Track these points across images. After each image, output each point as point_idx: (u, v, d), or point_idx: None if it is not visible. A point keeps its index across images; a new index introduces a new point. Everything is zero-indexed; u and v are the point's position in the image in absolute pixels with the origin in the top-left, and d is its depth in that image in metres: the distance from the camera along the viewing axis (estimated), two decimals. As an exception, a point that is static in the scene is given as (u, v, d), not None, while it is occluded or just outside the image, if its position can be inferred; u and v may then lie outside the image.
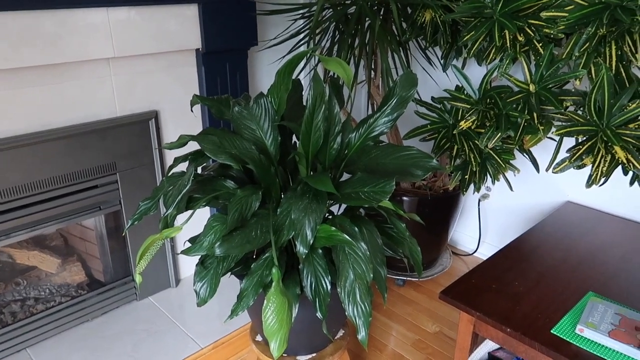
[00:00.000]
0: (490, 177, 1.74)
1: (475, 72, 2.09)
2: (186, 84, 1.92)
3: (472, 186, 1.76)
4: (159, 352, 1.76)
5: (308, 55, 1.39)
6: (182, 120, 1.95)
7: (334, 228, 1.09)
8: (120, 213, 1.88)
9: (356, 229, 1.12)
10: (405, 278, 2.23)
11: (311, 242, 1.10)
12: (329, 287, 1.14)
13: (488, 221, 2.42)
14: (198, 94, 1.97)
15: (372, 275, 1.08)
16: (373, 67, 1.99)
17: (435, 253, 2.29)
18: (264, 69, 2.25)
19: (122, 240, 1.93)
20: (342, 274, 1.10)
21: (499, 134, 1.42)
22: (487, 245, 2.45)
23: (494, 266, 1.66)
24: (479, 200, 2.40)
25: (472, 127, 1.51)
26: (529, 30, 1.36)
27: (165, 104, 1.88)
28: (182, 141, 1.23)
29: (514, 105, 1.37)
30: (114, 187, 1.82)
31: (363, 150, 1.25)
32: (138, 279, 1.12)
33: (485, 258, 2.46)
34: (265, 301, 1.02)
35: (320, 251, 1.17)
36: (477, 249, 2.46)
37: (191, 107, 1.49)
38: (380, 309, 2.09)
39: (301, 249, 1.11)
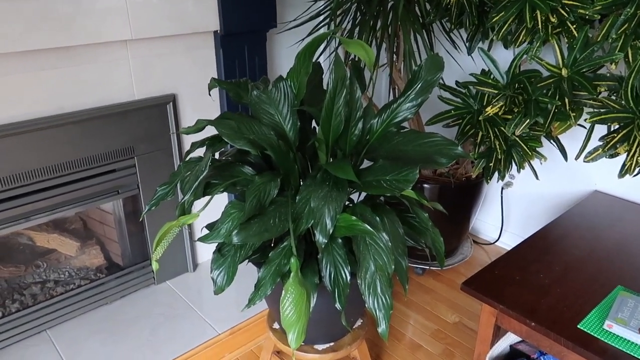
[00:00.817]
0: (516, 165, 1.68)
1: (502, 56, 2.01)
2: (204, 67, 1.89)
3: (495, 174, 1.71)
4: (176, 337, 1.76)
5: (329, 37, 1.34)
6: (200, 103, 1.92)
7: (354, 217, 1.06)
8: (138, 197, 1.87)
9: (377, 218, 1.08)
10: (425, 267, 2.19)
11: (331, 231, 1.07)
12: (348, 278, 1.11)
13: (511, 210, 2.36)
14: (216, 77, 1.94)
15: (393, 266, 1.04)
16: (395, 50, 1.93)
17: (456, 242, 2.24)
18: (283, 52, 2.21)
19: (140, 224, 1.93)
20: (362, 265, 1.06)
21: (528, 120, 1.36)
22: (510, 234, 2.39)
23: (518, 257, 1.61)
24: (502, 188, 2.33)
25: (499, 113, 1.45)
26: (562, 11, 1.28)
27: (183, 87, 1.86)
28: (199, 126, 1.20)
29: (544, 91, 1.31)
30: (132, 171, 1.81)
31: (385, 137, 1.21)
32: (155, 265, 1.10)
33: (507, 248, 2.40)
34: (283, 292, 1.00)
35: (339, 240, 1.14)
36: (499, 238, 2.41)
37: (209, 91, 1.46)
38: (399, 297, 2.06)
39: (320, 239, 1.08)
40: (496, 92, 1.41)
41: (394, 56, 1.89)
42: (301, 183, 1.22)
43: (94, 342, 1.73)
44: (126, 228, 1.91)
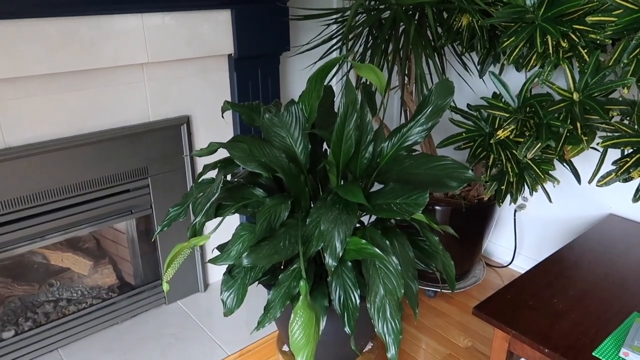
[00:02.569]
0: (528, 187, 1.67)
1: (513, 79, 2.02)
2: (218, 89, 1.92)
3: (508, 197, 1.70)
4: (186, 358, 1.76)
5: (340, 61, 1.36)
6: (213, 125, 1.95)
7: (364, 241, 1.06)
8: (151, 217, 1.89)
9: (387, 242, 1.08)
10: (436, 290, 2.17)
11: (340, 254, 1.07)
12: (358, 302, 1.11)
13: (524, 232, 2.34)
14: (230, 99, 1.97)
15: (403, 290, 1.04)
16: (407, 72, 1.95)
17: (468, 264, 2.22)
18: (296, 75, 2.24)
19: (152, 244, 1.95)
20: (372, 289, 1.06)
21: (539, 144, 1.36)
22: (523, 257, 2.36)
23: (531, 281, 1.59)
24: (515, 211, 2.31)
25: (510, 137, 1.45)
26: (573, 36, 1.29)
27: (197, 109, 1.89)
28: (212, 148, 1.22)
29: (556, 115, 1.31)
30: (146, 191, 1.83)
31: (395, 160, 1.21)
32: (165, 287, 1.11)
33: (520, 271, 2.37)
34: (292, 315, 1.00)
35: (349, 264, 1.14)
36: (512, 261, 2.38)
37: (222, 113, 1.48)
38: (410, 320, 2.03)
39: (330, 262, 1.08)
40: (507, 115, 1.41)
41: (406, 79, 1.91)
42: (312, 205, 1.22)
43: (105, 362, 1.73)
44: (139, 247, 1.92)
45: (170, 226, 1.36)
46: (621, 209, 1.98)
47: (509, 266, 2.40)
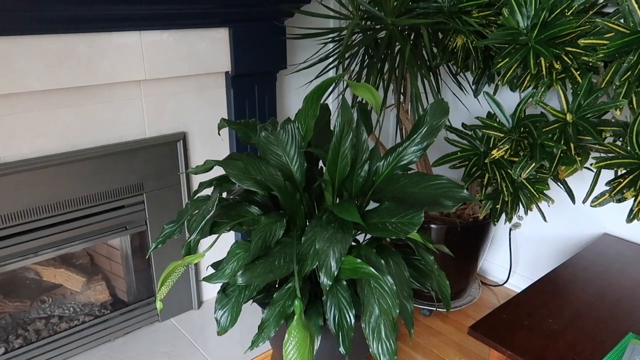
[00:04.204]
0: (523, 207, 1.68)
1: (508, 99, 2.04)
2: (215, 106, 1.93)
3: (503, 216, 1.70)
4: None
5: (336, 80, 1.37)
6: (209, 142, 1.96)
7: (359, 260, 1.06)
8: (145, 233, 1.88)
9: (382, 261, 1.08)
10: (431, 308, 2.16)
11: (335, 273, 1.07)
12: (352, 321, 1.10)
13: (519, 251, 2.34)
14: (226, 116, 1.97)
15: (398, 311, 1.03)
16: (402, 91, 1.97)
17: (463, 283, 2.21)
18: (293, 92, 2.25)
19: (146, 260, 1.93)
20: (367, 308, 1.06)
21: (533, 164, 1.37)
22: (518, 276, 2.36)
23: (527, 301, 1.59)
24: (510, 230, 2.32)
25: (505, 156, 1.46)
26: (566, 58, 1.31)
27: (194, 125, 1.89)
28: (207, 166, 1.22)
29: (550, 135, 1.32)
30: (141, 207, 1.83)
31: (391, 179, 1.22)
32: (159, 305, 1.10)
33: (515, 290, 2.37)
34: (286, 335, 0.99)
35: (344, 283, 1.14)
36: (507, 279, 2.37)
37: (218, 131, 1.49)
38: (405, 339, 2.02)
39: (325, 281, 1.07)
40: (502, 135, 1.42)
41: (401, 97, 1.93)
42: (307, 223, 1.22)
43: (96, 380, 1.71)
44: (132, 264, 1.91)
45: (164, 243, 1.36)
46: (615, 228, 1.99)
47: (505, 285, 2.39)
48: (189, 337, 1.94)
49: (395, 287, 1.05)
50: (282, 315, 1.14)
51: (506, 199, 1.64)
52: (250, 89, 1.96)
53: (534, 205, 1.67)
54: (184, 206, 1.50)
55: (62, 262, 1.91)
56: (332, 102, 2.24)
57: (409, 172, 1.28)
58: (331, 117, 1.50)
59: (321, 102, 1.45)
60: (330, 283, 1.07)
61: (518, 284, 2.35)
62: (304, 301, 1.18)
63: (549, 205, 2.08)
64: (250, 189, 1.16)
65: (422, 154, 1.20)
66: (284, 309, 1.15)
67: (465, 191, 1.21)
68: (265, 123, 1.33)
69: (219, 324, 1.18)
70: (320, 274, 1.08)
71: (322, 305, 1.16)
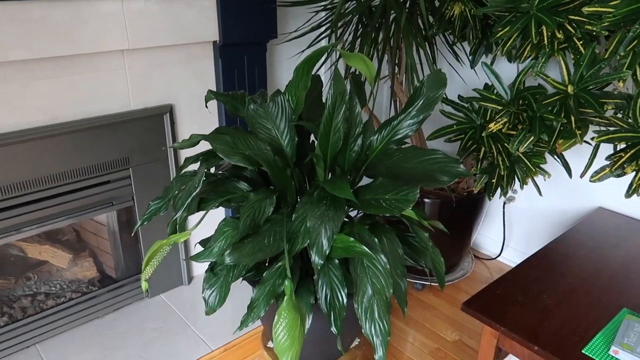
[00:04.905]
0: (519, 181, 1.65)
1: (505, 70, 1.98)
2: (203, 78, 1.86)
3: (498, 190, 1.67)
4: (169, 353, 1.71)
5: (329, 50, 1.31)
6: (198, 114, 1.89)
7: (352, 239, 1.02)
8: (132, 209, 1.83)
9: (376, 239, 1.05)
10: (424, 282, 2.15)
11: (327, 252, 1.03)
12: (344, 300, 1.07)
13: (513, 225, 2.32)
14: (215, 87, 1.90)
15: (392, 290, 1.00)
16: (397, 62, 1.90)
17: (457, 257, 2.20)
18: (284, 63, 2.18)
19: (134, 236, 1.89)
20: (359, 288, 1.02)
21: (532, 137, 1.33)
22: (511, 249, 2.35)
23: (520, 276, 1.57)
24: (504, 203, 2.29)
25: (503, 130, 1.42)
26: (569, 27, 1.25)
27: (181, 97, 1.82)
28: (193, 140, 1.17)
29: (549, 108, 1.27)
30: (127, 182, 1.77)
31: (385, 154, 1.17)
32: (144, 285, 1.07)
33: (509, 263, 2.36)
34: (276, 316, 0.96)
35: (336, 261, 1.10)
36: (500, 253, 2.36)
37: (205, 103, 1.42)
38: (397, 314, 2.01)
39: (316, 260, 1.04)
40: (500, 108, 1.38)
41: (396, 68, 1.86)
42: (298, 200, 1.18)
43: (84, 358, 1.68)
44: (120, 240, 1.87)
45: (150, 220, 1.31)
46: (610, 202, 1.97)
47: (498, 258, 2.38)
48: (179, 313, 1.92)
49: (388, 266, 1.01)
50: (272, 294, 1.11)
51: (502, 173, 1.60)
52: (240, 59, 1.88)
53: (530, 179, 1.63)
54: (171, 181, 1.44)
55: (48, 238, 1.87)
56: (324, 73, 2.17)
57: (403, 147, 1.23)
58: (323, 89, 1.44)
59: (313, 73, 1.39)
60: (322, 262, 1.03)
61: (511, 258, 2.34)
62: (294, 280, 1.15)
63: (545, 180, 2.06)
64: (238, 164, 1.11)
65: (418, 127, 1.15)
66: (274, 288, 1.11)
67: (461, 166, 1.16)
68: (254, 95, 1.27)
69: (207, 304, 1.15)
70: (311, 252, 1.04)
71: (314, 283, 1.13)
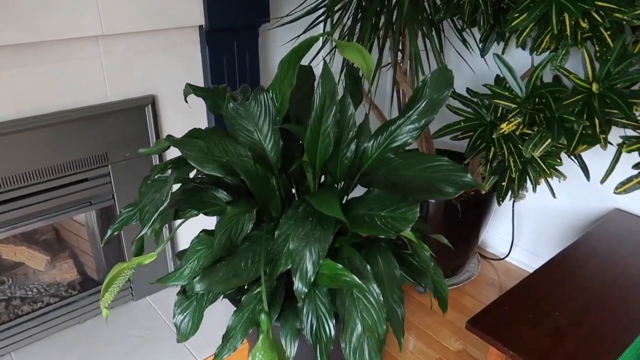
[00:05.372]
0: (531, 182, 1.50)
1: (519, 57, 1.81)
2: (188, 66, 1.71)
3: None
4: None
5: (323, 39, 1.16)
6: (183, 106, 1.74)
7: (339, 265, 0.88)
8: (113, 208, 1.71)
9: (368, 267, 0.91)
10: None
11: (312, 279, 0.90)
12: (332, 333, 0.94)
13: (522, 224, 2.17)
14: (202, 76, 1.75)
15: (385, 327, 0.87)
16: (401, 48, 1.74)
17: (462, 259, 2.06)
18: (278, 50, 2.01)
19: (116, 236, 1.76)
20: (347, 324, 0.89)
21: (549, 140, 1.17)
22: (520, 250, 2.21)
23: (531, 289, 1.44)
24: (514, 201, 2.14)
25: (517, 132, 1.26)
26: (595, 15, 1.09)
27: (165, 87, 1.68)
28: (162, 146, 1.03)
29: (570, 109, 1.12)
30: (106, 180, 1.64)
31: (382, 161, 1.03)
32: (105, 313, 0.94)
33: (517, 264, 2.22)
34: (250, 357, 0.83)
35: (324, 288, 0.97)
36: (508, 253, 2.22)
37: (185, 98, 1.28)
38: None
39: (300, 287, 0.90)
40: (514, 106, 1.22)
41: (399, 55, 1.70)
42: (284, 212, 1.04)
43: (61, 368, 1.58)
44: (100, 241, 1.75)
45: (121, 230, 1.18)
46: (628, 203, 1.81)
47: (506, 259, 2.24)
48: (165, 318, 1.80)
49: (382, 298, 0.88)
50: (251, 322, 0.98)
51: (513, 176, 1.45)
52: (229, 46, 1.73)
53: (542, 179, 1.48)
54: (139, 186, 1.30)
55: (24, 238, 1.75)
56: (316, 65, 2.00)
57: (405, 150, 1.08)
58: (316, 82, 1.29)
59: (304, 64, 1.24)
60: (306, 290, 0.90)
61: (520, 259, 2.20)
62: (276, 307, 1.02)
63: (559, 182, 1.90)
64: (213, 174, 0.97)
65: (420, 134, 1.00)
66: (254, 314, 0.98)
67: (468, 176, 1.02)
68: (234, 91, 1.12)
69: (179, 331, 1.02)
70: (294, 278, 0.90)
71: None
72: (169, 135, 1.12)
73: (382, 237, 0.88)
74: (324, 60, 1.02)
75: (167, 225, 1.72)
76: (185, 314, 1.02)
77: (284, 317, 1.05)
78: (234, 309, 1.04)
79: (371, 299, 0.88)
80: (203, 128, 1.22)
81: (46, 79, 1.43)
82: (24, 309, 1.66)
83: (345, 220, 0.89)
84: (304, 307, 0.96)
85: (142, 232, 0.97)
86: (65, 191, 1.57)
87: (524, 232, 2.18)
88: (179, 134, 1.80)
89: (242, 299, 1.00)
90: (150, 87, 1.64)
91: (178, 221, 1.72)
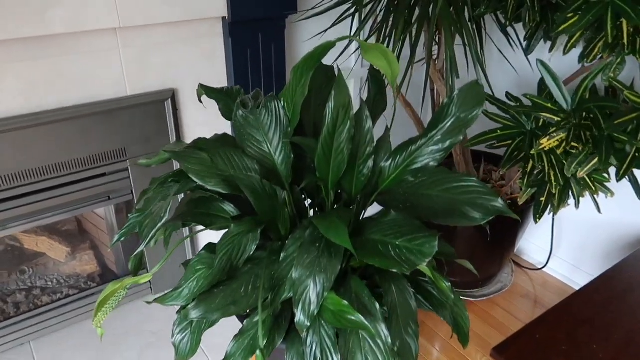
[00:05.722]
0: (574, 198, 1.36)
1: (567, 57, 1.64)
2: (210, 59, 1.64)
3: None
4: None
5: (348, 41, 1.05)
6: (205, 101, 1.67)
7: (345, 302, 0.80)
8: (132, 203, 1.68)
9: (377, 305, 0.82)
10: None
11: (315, 312, 0.82)
12: (336, 369, 0.86)
13: (563, 233, 2.02)
14: (225, 70, 1.68)
15: (392, 372, 0.78)
16: (436, 40, 1.61)
17: (495, 269, 1.94)
18: (306, 44, 1.91)
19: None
20: (350, 366, 0.81)
21: (595, 161, 1.04)
22: (559, 260, 2.06)
23: (567, 316, 1.31)
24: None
25: (559, 151, 1.13)
26: (659, 20, 0.94)
27: (185, 81, 1.61)
28: (162, 157, 0.96)
29: (622, 129, 0.98)
30: (124, 175, 1.61)
31: (400, 183, 0.93)
32: (99, 332, 0.89)
33: (555, 276, 2.07)
34: (241, 399, 0.76)
35: (329, 318, 0.89)
36: (546, 264, 2.08)
37: (199, 98, 1.21)
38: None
39: (301, 319, 0.83)
40: (557, 120, 1.09)
41: (435, 49, 1.57)
42: (295, 230, 0.96)
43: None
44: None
45: (128, 236, 1.13)
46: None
47: (543, 269, 2.10)
48: (181, 315, 1.77)
49: (390, 341, 0.79)
50: (251, 350, 0.91)
51: (553, 191, 1.32)
52: (253, 38, 1.64)
53: (587, 192, 1.35)
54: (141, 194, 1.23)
55: (45, 229, 1.75)
56: (346, 61, 1.89)
57: (431, 167, 0.98)
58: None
59: (326, 64, 1.15)
60: (308, 324, 0.82)
61: (559, 270, 2.06)
62: (282, 327, 0.95)
63: (606, 198, 1.74)
64: (216, 189, 0.90)
65: (444, 156, 0.90)
66: (255, 342, 0.92)
67: (499, 201, 0.91)
68: (245, 96, 1.04)
69: (178, 351, 0.97)
70: (295, 310, 0.83)
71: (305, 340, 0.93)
72: (161, 150, 1.05)
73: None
74: (338, 68, 0.92)
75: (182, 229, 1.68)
76: (184, 334, 0.96)
77: (290, 339, 0.98)
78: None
79: (379, 343, 0.80)
80: (215, 133, 1.16)
81: (63, 73, 1.39)
82: (44, 300, 1.66)
83: (353, 251, 0.80)
84: (308, 338, 0.89)
85: (140, 249, 0.92)
86: (83, 185, 1.55)
87: (564, 241, 2.03)
88: (200, 129, 1.75)
89: (244, 323, 0.94)
90: (170, 80, 1.58)
91: (186, 230, 1.69)
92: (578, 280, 2.00)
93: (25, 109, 1.37)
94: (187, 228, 1.60)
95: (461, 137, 0.87)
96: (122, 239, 1.14)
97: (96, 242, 1.83)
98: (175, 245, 0.96)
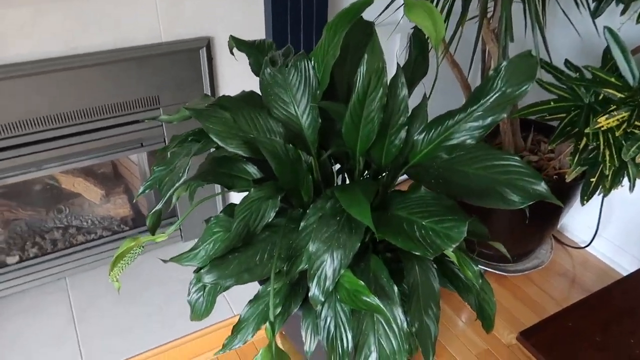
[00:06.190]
0: (629, 180, 1.25)
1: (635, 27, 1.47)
2: (249, 5, 1.56)
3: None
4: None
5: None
6: (237, 53, 1.61)
7: (362, 283, 0.75)
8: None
9: (395, 289, 0.77)
10: (485, 268, 1.85)
11: (330, 288, 0.79)
12: (349, 346, 0.84)
13: (612, 211, 1.89)
14: (263, 17, 1.60)
15: (406, 358, 0.75)
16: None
17: (534, 245, 1.85)
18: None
19: (168, 178, 1.74)
20: (361, 349, 0.78)
21: (659, 145, 0.93)
22: (605, 240, 1.94)
23: (605, 303, 1.24)
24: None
25: (617, 133, 1.02)
26: None
27: (221, 29, 1.55)
28: (183, 115, 0.92)
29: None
30: (157, 123, 1.59)
31: (432, 159, 0.86)
32: (116, 285, 0.90)
33: (598, 256, 1.96)
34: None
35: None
36: (590, 242, 1.96)
37: (230, 51, 1.15)
38: (447, 296, 1.74)
39: (316, 293, 0.80)
40: (620, 96, 0.97)
41: (489, 6, 1.44)
42: (318, 198, 0.92)
43: (106, 301, 1.63)
44: (152, 182, 1.73)
45: (152, 189, 1.12)
46: None
47: (586, 248, 1.99)
48: (209, 265, 1.80)
49: (406, 326, 0.75)
50: (265, 316, 0.90)
51: (606, 172, 1.21)
52: (294, -15, 1.54)
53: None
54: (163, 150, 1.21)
55: (82, 171, 1.77)
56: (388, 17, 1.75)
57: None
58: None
59: (367, 20, 1.06)
60: (323, 299, 0.79)
61: (603, 251, 1.95)
62: (299, 294, 0.93)
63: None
64: (236, 151, 0.85)
65: (484, 134, 0.81)
66: (269, 309, 0.90)
67: (542, 185, 0.84)
68: (275, 53, 0.98)
69: (193, 309, 0.97)
70: (310, 284, 0.80)
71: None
72: (182, 108, 1.00)
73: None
74: (374, 28, 0.84)
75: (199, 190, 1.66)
76: (199, 294, 0.96)
77: (307, 307, 0.96)
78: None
79: (394, 327, 0.76)
80: (246, 89, 1.10)
81: (99, 16, 1.35)
82: (79, 239, 1.71)
83: (374, 229, 0.75)
84: (322, 311, 0.86)
85: (157, 207, 0.90)
86: (117, 131, 1.54)
87: (613, 220, 1.91)
88: (236, 79, 1.69)
89: (260, 289, 0.92)
90: (205, 28, 1.52)
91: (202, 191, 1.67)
92: (622, 262, 1.89)
93: (60, 52, 1.35)
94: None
95: (505, 115, 0.78)
96: (147, 191, 1.12)
97: (130, 187, 1.85)
98: (196, 204, 0.93)
